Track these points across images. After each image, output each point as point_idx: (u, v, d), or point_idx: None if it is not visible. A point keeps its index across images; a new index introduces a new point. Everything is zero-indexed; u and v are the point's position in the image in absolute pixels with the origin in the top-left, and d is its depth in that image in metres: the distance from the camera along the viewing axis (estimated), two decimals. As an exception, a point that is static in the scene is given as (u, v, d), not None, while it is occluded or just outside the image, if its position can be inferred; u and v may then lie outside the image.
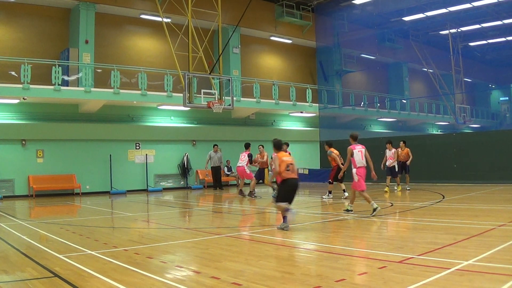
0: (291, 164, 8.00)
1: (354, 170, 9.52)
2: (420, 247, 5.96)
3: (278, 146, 8.27)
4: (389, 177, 15.18)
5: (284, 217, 7.83)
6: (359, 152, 9.60)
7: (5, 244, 7.14)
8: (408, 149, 15.46)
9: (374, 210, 9.05)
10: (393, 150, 15.16)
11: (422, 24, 26.08)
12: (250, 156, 15.35)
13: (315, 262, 5.62)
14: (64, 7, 19.93)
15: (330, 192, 13.69)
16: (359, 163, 9.50)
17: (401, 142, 15.65)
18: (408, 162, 15.34)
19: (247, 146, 15.76)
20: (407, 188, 15.57)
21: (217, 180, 20.18)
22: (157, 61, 22.05)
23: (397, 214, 9.90)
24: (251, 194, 15.01)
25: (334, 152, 13.50)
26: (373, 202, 9.19)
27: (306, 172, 23.15)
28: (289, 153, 9.09)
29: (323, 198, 13.71)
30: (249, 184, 15.98)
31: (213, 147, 20.01)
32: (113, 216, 11.61)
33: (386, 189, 14.97)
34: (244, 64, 25.13)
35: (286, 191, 7.93)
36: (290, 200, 7.89)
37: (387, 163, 15.12)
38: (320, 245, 6.79)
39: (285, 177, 7.90)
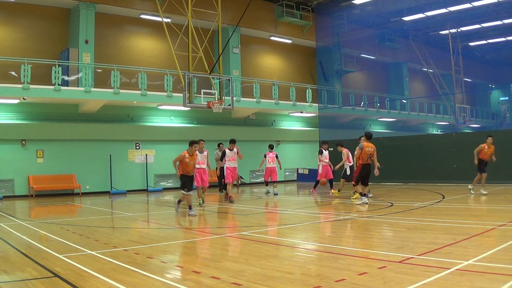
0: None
1: None
2: (420, 247, 5.96)
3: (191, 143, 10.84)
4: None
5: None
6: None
7: (5, 244, 7.14)
8: (493, 146, 13.11)
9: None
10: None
11: (422, 24, 26.06)
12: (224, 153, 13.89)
13: (315, 262, 5.61)
14: (64, 7, 19.93)
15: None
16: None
17: (489, 138, 13.16)
18: (493, 158, 12.99)
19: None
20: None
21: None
22: (157, 61, 22.05)
23: (397, 214, 9.90)
24: (229, 198, 13.63)
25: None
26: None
27: (306, 172, 23.15)
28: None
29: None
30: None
31: (223, 145, 16.88)
32: (113, 216, 11.61)
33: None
34: (244, 64, 25.13)
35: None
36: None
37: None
38: (320, 245, 6.79)
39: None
